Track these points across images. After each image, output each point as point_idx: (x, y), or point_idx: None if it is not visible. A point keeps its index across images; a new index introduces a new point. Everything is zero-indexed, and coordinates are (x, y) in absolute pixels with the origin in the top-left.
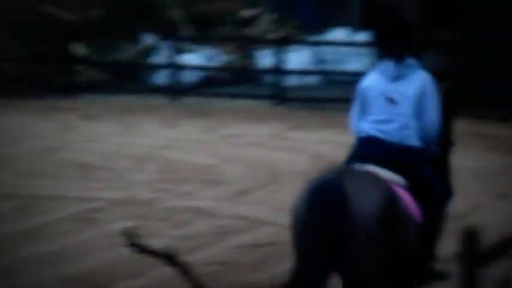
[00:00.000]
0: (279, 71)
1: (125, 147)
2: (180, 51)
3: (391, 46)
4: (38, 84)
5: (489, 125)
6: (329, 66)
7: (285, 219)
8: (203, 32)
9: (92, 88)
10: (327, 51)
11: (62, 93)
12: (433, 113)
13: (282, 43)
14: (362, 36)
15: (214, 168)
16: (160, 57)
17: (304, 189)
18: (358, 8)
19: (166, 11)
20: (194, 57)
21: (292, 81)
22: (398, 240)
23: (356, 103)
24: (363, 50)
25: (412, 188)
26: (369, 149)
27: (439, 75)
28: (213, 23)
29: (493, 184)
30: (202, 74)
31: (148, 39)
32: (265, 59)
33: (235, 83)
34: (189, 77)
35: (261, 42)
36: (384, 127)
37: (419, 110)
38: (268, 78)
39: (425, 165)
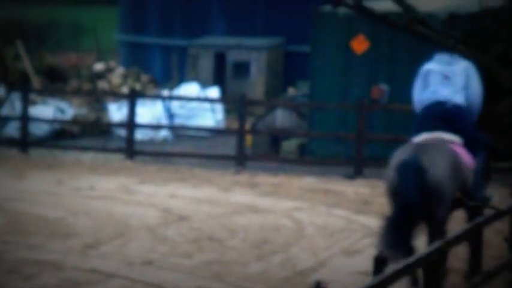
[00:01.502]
0: (130, 124)
1: None
2: (30, 103)
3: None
4: None
5: None
6: (180, 121)
7: (135, 272)
8: (55, 84)
9: None
10: (179, 106)
11: None
12: (475, 87)
13: (133, 97)
14: (213, 92)
15: (64, 221)
16: (10, 108)
17: (394, 165)
18: (209, 64)
19: (16, 62)
20: (45, 109)
21: (143, 135)
22: (461, 186)
23: (418, 82)
24: (214, 106)
25: (465, 143)
26: (432, 111)
27: (285, 131)
28: (65, 75)
29: None
30: (52, 126)
31: None
32: (116, 112)
33: (86, 136)
34: (39, 129)
35: (113, 95)
36: (441, 93)
37: (466, 85)
38: (119, 132)
39: (469, 121)
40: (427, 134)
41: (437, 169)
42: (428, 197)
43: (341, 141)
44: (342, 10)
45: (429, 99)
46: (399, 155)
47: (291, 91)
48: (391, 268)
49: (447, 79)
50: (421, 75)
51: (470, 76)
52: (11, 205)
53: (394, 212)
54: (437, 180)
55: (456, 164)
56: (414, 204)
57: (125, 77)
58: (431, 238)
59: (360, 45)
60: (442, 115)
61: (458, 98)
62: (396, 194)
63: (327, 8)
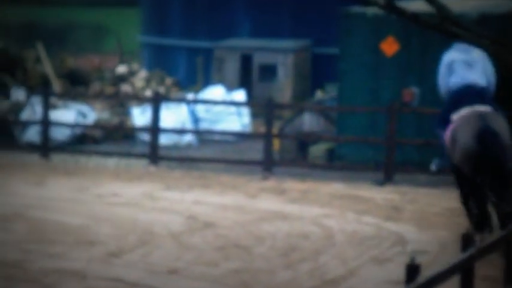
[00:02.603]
0: (153, 129)
1: None
2: (51, 107)
3: None
4: None
5: None
6: (205, 125)
7: (159, 281)
8: (76, 88)
9: None
10: (204, 110)
11: None
12: (491, 71)
13: (158, 100)
14: (239, 95)
15: (86, 228)
16: (31, 113)
17: (470, 134)
18: (234, 66)
19: (37, 65)
20: (66, 114)
21: (167, 139)
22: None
23: (443, 70)
24: (240, 109)
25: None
26: (465, 92)
27: (313, 136)
28: (87, 79)
29: None
30: (74, 131)
31: (19, 95)
32: (140, 116)
33: (108, 140)
34: (60, 133)
35: (136, 99)
36: (469, 78)
37: (485, 69)
38: (143, 137)
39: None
40: (469, 108)
41: (505, 133)
42: (504, 156)
43: (370, 145)
44: (371, 11)
45: (457, 84)
46: (467, 126)
47: (319, 94)
48: (423, 276)
49: (470, 66)
50: (445, 64)
51: (486, 62)
52: (32, 213)
53: (476, 176)
54: (506, 142)
55: (507, 129)
56: (500, 163)
57: (148, 80)
58: (502, 197)
59: (389, 46)
60: (475, 94)
61: (482, 82)
62: (479, 157)
63: (356, 8)
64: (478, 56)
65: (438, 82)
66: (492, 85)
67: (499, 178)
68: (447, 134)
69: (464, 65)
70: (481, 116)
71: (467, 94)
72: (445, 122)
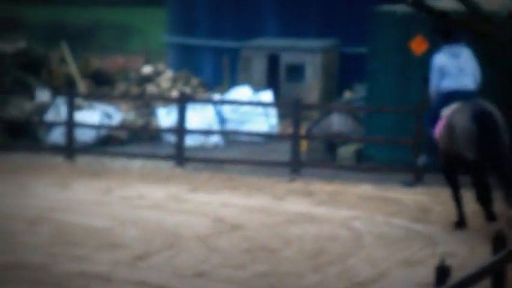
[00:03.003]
0: (179, 130)
1: (16, 209)
2: (76, 108)
3: (451, 37)
4: None
5: None
6: (231, 126)
7: (186, 285)
8: (101, 88)
9: None
10: (230, 110)
11: None
12: (477, 69)
13: (184, 101)
14: (266, 96)
15: (111, 231)
16: (56, 114)
17: (467, 117)
18: (261, 66)
19: (61, 66)
20: (91, 115)
21: (193, 141)
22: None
23: (435, 73)
24: (267, 110)
25: None
26: (456, 96)
27: (342, 136)
28: (112, 79)
29: None
30: (99, 132)
31: (44, 96)
32: (165, 117)
33: (134, 142)
34: (85, 135)
35: (162, 99)
36: (461, 83)
37: (473, 69)
38: (169, 138)
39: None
40: (460, 103)
41: (498, 115)
42: (502, 133)
43: (400, 146)
44: (400, 9)
45: (449, 88)
46: (463, 113)
47: (347, 94)
48: (454, 279)
49: (461, 70)
50: (436, 67)
51: (474, 61)
52: (56, 215)
53: (476, 153)
54: (501, 122)
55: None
56: (499, 139)
57: (174, 80)
58: (503, 172)
59: (418, 46)
60: (465, 96)
61: (472, 85)
62: (479, 137)
63: (385, 7)
64: (467, 59)
65: (431, 83)
66: (478, 80)
67: (499, 156)
68: (439, 128)
69: (455, 69)
70: (475, 102)
71: (459, 96)
72: (435, 119)
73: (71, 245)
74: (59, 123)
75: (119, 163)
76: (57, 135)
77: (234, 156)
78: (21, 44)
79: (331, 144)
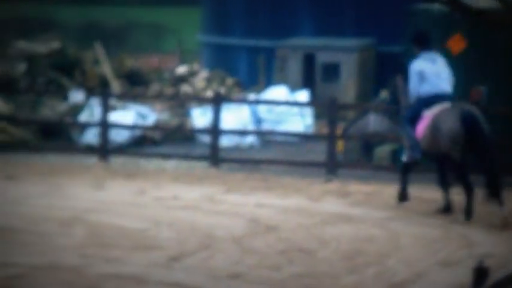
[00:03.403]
0: (214, 130)
1: (50, 210)
2: (110, 108)
3: (428, 45)
4: None
5: None
6: (267, 126)
7: (221, 286)
8: (135, 89)
9: (15, 147)
10: (266, 110)
11: None
12: (451, 75)
13: (218, 101)
14: (302, 95)
15: (146, 232)
16: (90, 115)
17: (455, 118)
18: (297, 66)
19: (95, 66)
20: (125, 115)
21: (228, 141)
22: None
23: (414, 79)
24: (303, 110)
25: None
26: (435, 99)
27: (378, 137)
28: (146, 79)
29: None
30: (133, 132)
31: (78, 96)
32: (200, 117)
33: (168, 142)
34: (119, 135)
35: (197, 99)
36: (440, 88)
37: (449, 75)
38: (203, 138)
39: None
40: (441, 105)
41: (481, 116)
42: (482, 134)
43: None
44: (437, 8)
45: (428, 92)
46: (449, 115)
47: (384, 94)
48: (491, 280)
49: (439, 75)
50: (415, 72)
51: (448, 67)
52: (90, 216)
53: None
54: (484, 123)
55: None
56: (485, 138)
57: (209, 80)
58: (491, 165)
59: (456, 44)
60: (444, 99)
61: (449, 90)
62: (466, 138)
63: (422, 6)
64: (442, 65)
65: (411, 88)
66: (452, 84)
67: (485, 153)
68: (422, 128)
69: (433, 75)
70: (459, 105)
71: (438, 99)
72: (415, 119)
73: (105, 246)
74: (93, 124)
75: (153, 164)
76: (91, 136)
77: (269, 156)
78: (55, 45)
79: (368, 144)
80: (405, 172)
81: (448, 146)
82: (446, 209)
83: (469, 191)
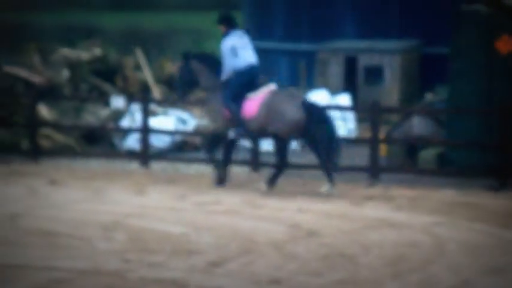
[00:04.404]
0: (255, 135)
1: (92, 215)
2: (151, 114)
3: (234, 25)
4: (2, 148)
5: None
6: None
7: None
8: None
9: (58, 152)
10: None
11: (27, 157)
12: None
13: None
14: (343, 99)
15: (187, 237)
16: (131, 120)
17: (296, 106)
18: (339, 69)
19: (136, 72)
20: (166, 121)
21: (269, 145)
22: None
23: (228, 54)
24: (345, 114)
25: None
26: (250, 74)
27: (423, 140)
28: None
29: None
30: (174, 138)
31: (119, 102)
32: None
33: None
34: (160, 141)
35: None
36: (250, 60)
37: (253, 49)
38: (244, 143)
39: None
40: (267, 87)
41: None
42: (317, 118)
43: (484, 150)
44: (484, 9)
45: (242, 65)
46: (288, 103)
47: (429, 97)
48: None
49: (247, 49)
50: (228, 48)
51: (251, 43)
52: (131, 221)
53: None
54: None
55: None
56: (328, 121)
57: None
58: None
59: (505, 45)
60: (257, 75)
61: (255, 60)
62: (309, 123)
63: (468, 6)
64: (247, 40)
65: (224, 66)
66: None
67: (326, 135)
68: (254, 108)
69: (243, 49)
70: (292, 93)
71: (253, 77)
72: (238, 97)
73: (146, 251)
74: (134, 130)
75: (193, 169)
76: (132, 142)
77: (311, 161)
78: (97, 51)
79: (412, 148)
80: (228, 151)
81: (289, 130)
82: (221, 181)
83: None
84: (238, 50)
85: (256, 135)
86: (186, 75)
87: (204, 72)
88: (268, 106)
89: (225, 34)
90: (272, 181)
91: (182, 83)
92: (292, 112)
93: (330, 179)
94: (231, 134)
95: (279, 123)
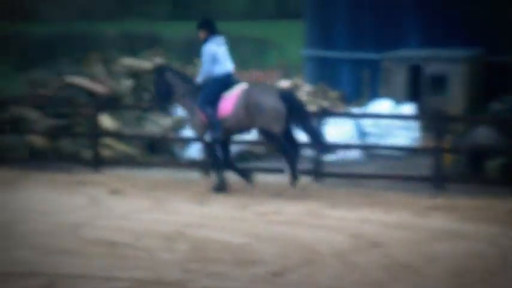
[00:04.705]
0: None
1: (153, 225)
2: None
3: (215, 31)
4: (64, 158)
5: None
6: (372, 140)
7: None
8: None
9: (120, 162)
10: (370, 124)
11: (89, 167)
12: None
13: (322, 115)
14: (408, 109)
15: (248, 247)
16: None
17: (275, 98)
18: (403, 78)
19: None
20: None
21: (332, 155)
22: None
23: (208, 59)
24: (409, 123)
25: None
26: (227, 78)
27: (489, 150)
28: None
29: None
30: (238, 147)
31: (181, 111)
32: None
33: (271, 157)
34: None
35: None
36: (228, 68)
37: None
38: (307, 152)
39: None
40: (239, 85)
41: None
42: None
43: None
44: None
45: (221, 71)
46: (266, 95)
47: (495, 105)
48: None
49: (226, 56)
50: (209, 54)
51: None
52: (193, 231)
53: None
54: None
55: None
56: (304, 111)
57: (312, 94)
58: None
59: None
60: (232, 83)
61: (232, 67)
62: (288, 112)
63: None
64: (225, 48)
65: (202, 70)
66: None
67: (306, 123)
68: (229, 107)
69: (222, 56)
70: (266, 85)
71: (230, 82)
72: (214, 101)
73: (208, 261)
74: (196, 139)
75: (256, 179)
76: (194, 151)
77: (374, 171)
78: (159, 61)
79: (478, 158)
80: (215, 157)
81: (270, 122)
82: (221, 188)
83: (293, 157)
84: (219, 57)
85: (232, 133)
86: (163, 87)
87: (178, 81)
88: (246, 100)
89: (206, 39)
90: (294, 172)
91: (160, 95)
92: (273, 102)
93: (295, 174)
94: (207, 137)
95: (264, 116)
